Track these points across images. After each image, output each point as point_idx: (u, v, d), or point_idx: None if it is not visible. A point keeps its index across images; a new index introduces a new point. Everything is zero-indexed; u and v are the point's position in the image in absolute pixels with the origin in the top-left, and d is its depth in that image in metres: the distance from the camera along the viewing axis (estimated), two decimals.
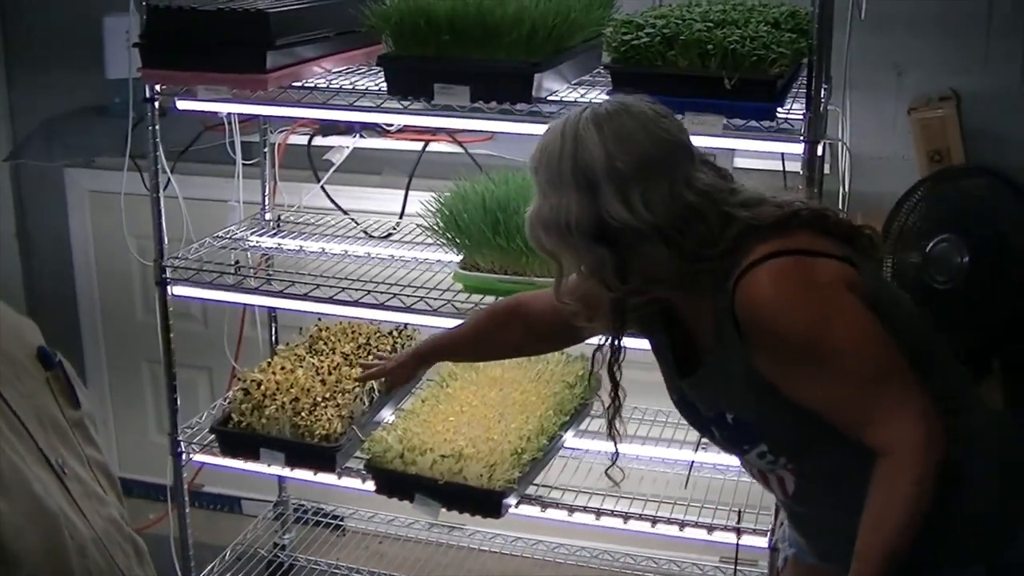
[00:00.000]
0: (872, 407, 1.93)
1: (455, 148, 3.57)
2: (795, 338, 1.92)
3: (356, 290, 2.95)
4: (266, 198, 3.62)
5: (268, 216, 3.60)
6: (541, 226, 2.02)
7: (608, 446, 2.29)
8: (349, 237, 3.46)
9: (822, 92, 2.55)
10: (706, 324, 2.05)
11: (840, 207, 3.26)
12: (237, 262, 3.33)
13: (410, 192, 3.57)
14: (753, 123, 2.45)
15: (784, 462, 2.11)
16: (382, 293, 2.91)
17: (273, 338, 3.80)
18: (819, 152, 2.52)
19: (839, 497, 2.06)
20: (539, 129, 2.61)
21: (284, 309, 3.49)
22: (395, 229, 3.49)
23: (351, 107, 2.79)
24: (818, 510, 2.17)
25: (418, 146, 3.61)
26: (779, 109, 2.45)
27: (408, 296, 2.89)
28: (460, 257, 2.96)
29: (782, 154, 3.07)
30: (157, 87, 2.92)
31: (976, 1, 3.37)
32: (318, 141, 3.67)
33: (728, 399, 2.09)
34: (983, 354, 3.16)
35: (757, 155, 3.20)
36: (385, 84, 2.73)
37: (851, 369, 1.93)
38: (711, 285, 1.98)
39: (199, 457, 3.23)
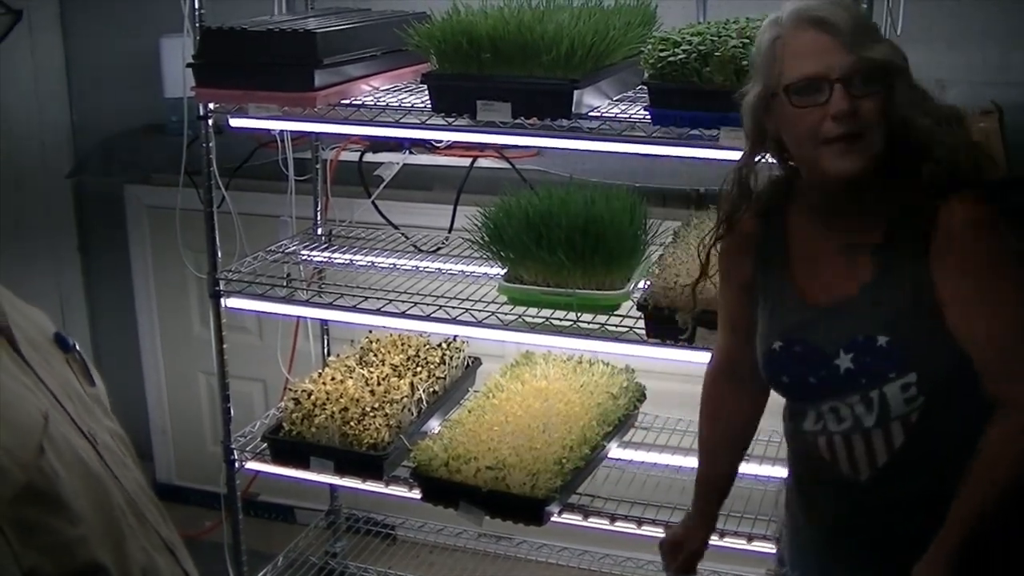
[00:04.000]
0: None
1: (502, 164, 3.63)
2: (995, 266, 2.05)
3: (403, 302, 3.02)
4: (318, 213, 3.69)
5: (320, 231, 3.68)
6: None
7: (652, 456, 2.34)
8: (398, 251, 3.53)
9: None
10: (873, 225, 2.13)
11: None
12: (289, 274, 3.41)
13: (459, 207, 3.62)
14: None
15: (919, 404, 2.12)
16: (428, 305, 2.98)
17: (325, 350, 3.87)
18: None
19: (935, 475, 2.13)
20: (581, 144, 2.71)
21: (334, 321, 3.58)
22: (444, 243, 3.55)
23: (397, 124, 2.86)
24: (902, 490, 2.19)
25: (466, 162, 3.68)
26: None
27: (454, 308, 2.96)
28: (505, 270, 3.02)
29: None
30: (210, 105, 3.00)
31: (1017, 14, 3.40)
32: (369, 157, 3.74)
33: (887, 317, 2.12)
34: None
35: None
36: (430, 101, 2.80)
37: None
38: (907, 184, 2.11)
39: (251, 465, 3.31)
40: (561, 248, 2.75)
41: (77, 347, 1.30)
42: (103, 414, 1.30)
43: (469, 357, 3.49)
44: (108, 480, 1.17)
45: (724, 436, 2.50)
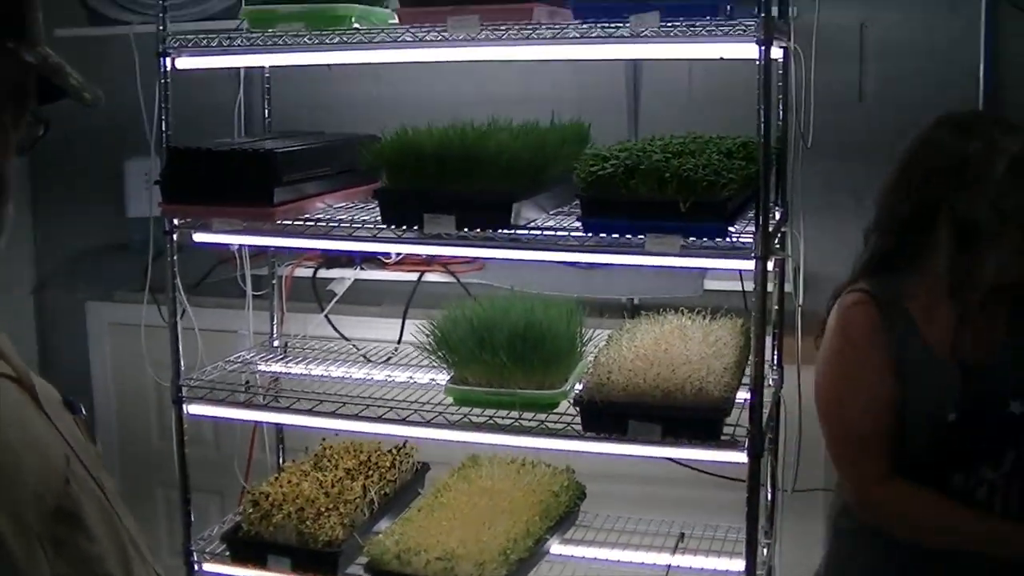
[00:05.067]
0: None
1: (448, 278, 3.85)
2: None
3: (356, 404, 3.16)
4: (274, 327, 3.87)
5: (276, 343, 3.86)
6: None
7: (592, 552, 2.53)
8: (349, 361, 3.70)
9: (773, 213, 2.83)
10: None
11: (797, 325, 3.52)
12: (247, 382, 3.57)
13: (407, 321, 3.83)
14: (709, 242, 2.70)
15: None
16: (380, 407, 3.12)
17: (280, 459, 4.00)
18: (770, 268, 2.79)
19: None
20: (520, 254, 2.92)
21: (290, 426, 3.72)
22: (393, 353, 3.73)
23: (350, 237, 3.03)
24: None
25: (414, 276, 3.90)
26: (732, 228, 2.70)
27: (404, 409, 3.10)
28: (451, 374, 3.16)
29: (740, 272, 3.33)
30: (175, 221, 3.16)
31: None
32: (322, 273, 3.96)
33: None
34: None
35: (723, 276, 3.49)
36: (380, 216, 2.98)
37: None
38: None
39: (210, 567, 3.42)
40: (503, 351, 2.92)
41: (83, 411, 1.48)
42: (103, 468, 1.48)
43: (418, 462, 3.66)
44: (115, 516, 1.35)
45: (950, 511, 2.60)
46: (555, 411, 2.97)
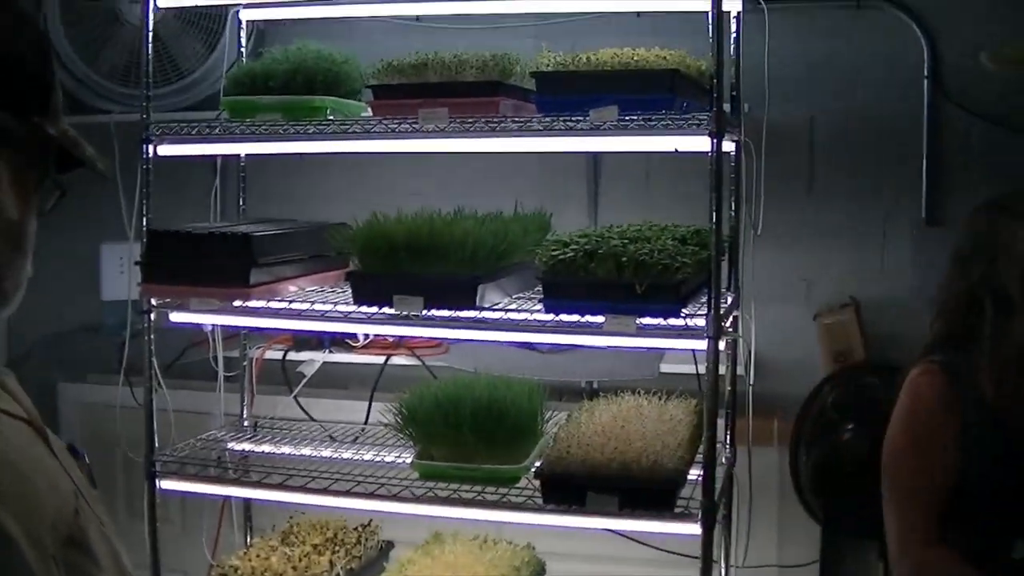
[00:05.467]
0: None
1: (413, 361, 3.98)
2: None
3: (326, 479, 3.25)
4: (244, 407, 3.97)
5: (246, 423, 3.95)
6: None
7: None
8: (317, 440, 3.79)
9: (724, 295, 2.98)
10: None
11: (749, 407, 3.66)
12: (219, 457, 3.66)
13: (373, 403, 3.94)
14: (664, 323, 2.84)
15: None
16: (348, 481, 3.22)
17: (248, 537, 4.04)
18: (722, 348, 2.94)
19: None
20: (484, 335, 3.05)
21: (259, 500, 3.78)
22: (360, 433, 3.84)
23: (323, 317, 3.14)
24: None
25: (381, 360, 4.02)
26: (685, 310, 2.84)
27: (371, 483, 3.19)
28: (417, 450, 3.24)
29: (694, 354, 3.48)
30: (152, 301, 3.26)
31: (872, 220, 3.88)
32: (292, 356, 4.08)
33: None
34: None
35: (678, 359, 3.64)
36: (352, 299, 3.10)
37: None
38: None
39: None
40: (467, 426, 3.01)
41: (86, 458, 1.60)
42: (103, 511, 1.60)
43: (382, 540, 3.75)
44: (117, 551, 1.47)
45: None
46: (517, 486, 3.06)
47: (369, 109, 3.25)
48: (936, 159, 3.90)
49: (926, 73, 3.89)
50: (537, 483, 2.98)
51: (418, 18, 4.03)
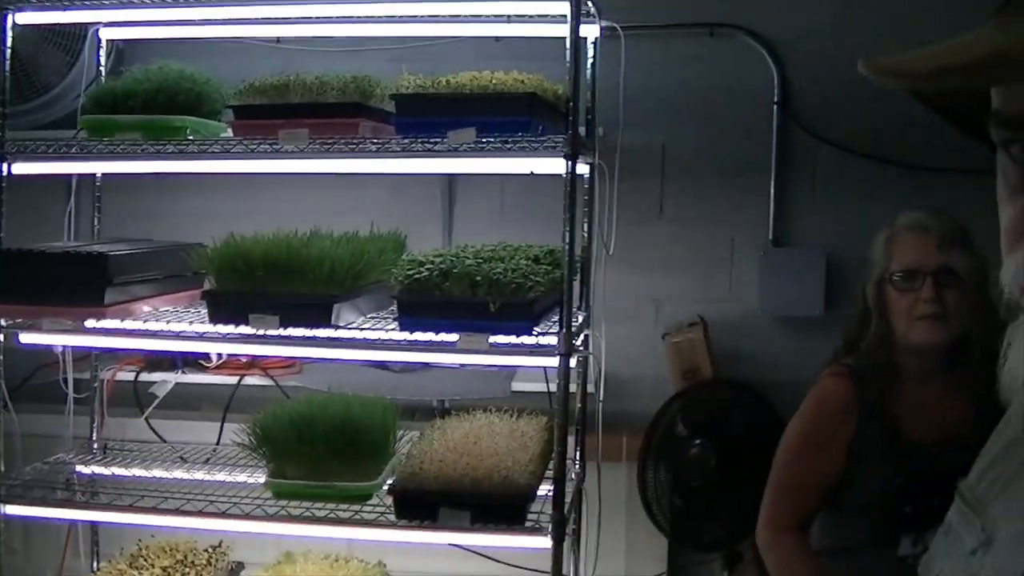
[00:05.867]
0: None
1: (267, 381, 3.99)
2: None
3: (177, 499, 3.21)
4: (94, 430, 3.91)
5: (96, 446, 3.88)
6: None
7: None
8: (168, 462, 3.75)
9: (576, 314, 3.05)
10: (960, 392, 2.88)
11: (598, 424, 3.72)
12: (67, 480, 3.61)
13: (226, 423, 3.93)
14: (516, 341, 2.89)
15: None
16: (200, 501, 3.19)
17: (95, 563, 3.98)
18: (573, 366, 3.00)
19: None
20: (339, 353, 3.07)
21: (109, 524, 3.68)
22: (212, 454, 3.81)
23: (178, 336, 3.13)
24: None
25: (234, 380, 4.01)
26: (537, 328, 2.91)
27: (224, 503, 3.17)
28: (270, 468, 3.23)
29: (545, 372, 3.53)
30: (2, 321, 3.21)
31: (720, 241, 4.01)
32: (144, 377, 4.04)
33: None
34: (732, 544, 3.65)
35: (530, 378, 3.70)
36: (208, 318, 3.09)
37: None
38: None
39: None
40: (321, 444, 3.02)
41: None
42: None
43: (233, 561, 3.73)
44: None
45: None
46: (370, 503, 3.08)
47: (230, 130, 3.24)
48: (783, 182, 4.04)
49: (775, 99, 4.03)
50: (390, 500, 3.00)
51: (279, 40, 4.05)
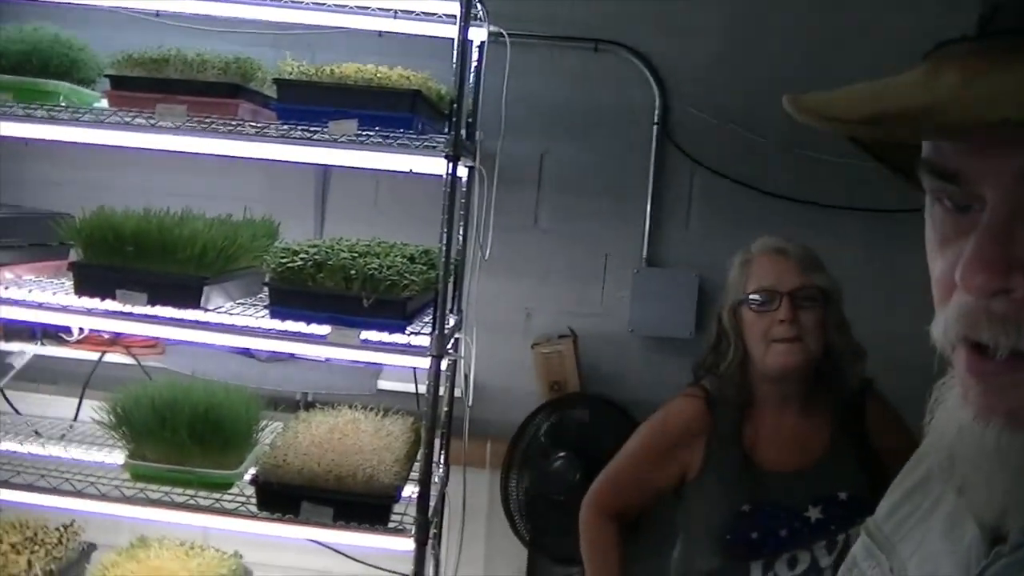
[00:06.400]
0: None
1: (129, 360, 3.90)
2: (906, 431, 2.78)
3: (31, 474, 3.15)
4: None
5: None
6: None
7: None
8: (22, 435, 3.66)
9: (448, 317, 3.04)
10: (820, 419, 2.90)
11: (466, 428, 3.73)
12: None
13: (85, 400, 3.84)
14: (388, 339, 2.88)
15: None
16: (55, 478, 3.14)
17: None
18: (443, 368, 2.99)
19: None
20: (206, 337, 3.02)
21: None
22: (69, 431, 3.73)
23: (40, 307, 3.04)
24: None
25: (95, 356, 3.92)
26: (410, 327, 2.90)
27: (80, 481, 3.12)
28: (128, 451, 3.19)
29: (414, 372, 3.52)
30: None
31: (595, 256, 4.02)
32: (1, 346, 3.92)
33: (844, 478, 2.81)
34: None
35: (396, 377, 3.68)
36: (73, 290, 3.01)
37: None
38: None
39: None
40: (184, 429, 2.98)
41: None
42: None
43: (85, 542, 3.65)
44: None
45: (616, 570, 3.05)
46: (230, 492, 3.06)
47: (105, 100, 3.17)
48: (660, 202, 4.06)
49: (655, 119, 4.05)
50: (251, 490, 2.97)
51: (157, 13, 3.97)
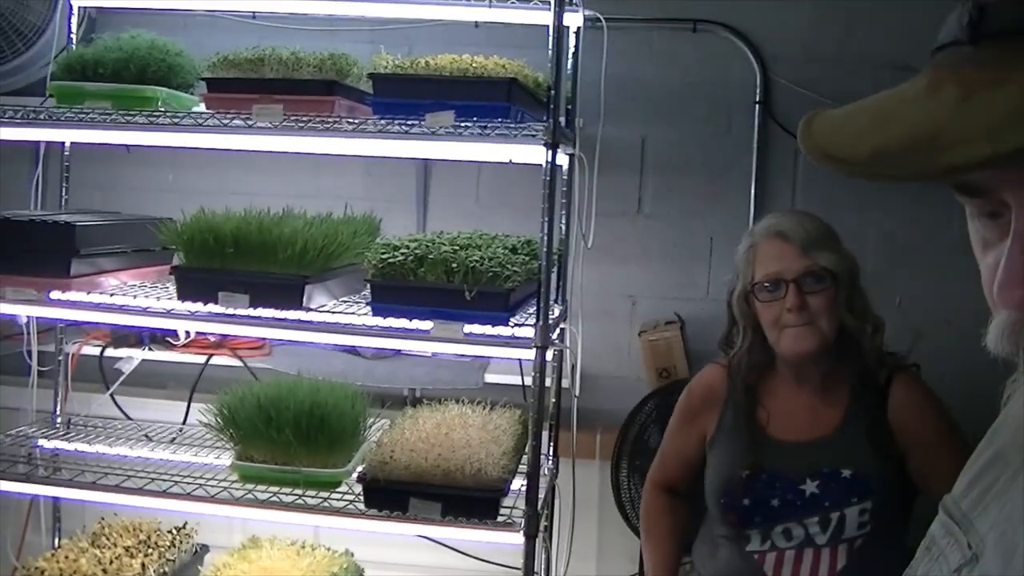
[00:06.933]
0: None
1: (235, 362, 3.91)
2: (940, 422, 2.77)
3: (141, 478, 3.18)
4: (58, 404, 3.85)
5: (59, 421, 3.83)
6: None
7: None
8: (133, 440, 3.70)
9: (552, 307, 2.99)
10: (838, 397, 2.87)
11: (574, 419, 3.68)
12: (28, 455, 3.54)
13: (192, 404, 3.86)
14: (492, 331, 2.84)
15: (867, 531, 2.71)
16: (165, 482, 3.16)
17: (56, 539, 3.94)
18: (548, 358, 2.95)
19: None
20: (309, 336, 3.01)
21: (71, 500, 3.64)
22: (178, 434, 3.76)
23: (145, 312, 3.06)
24: None
25: (202, 359, 3.94)
26: (513, 319, 2.85)
27: (189, 484, 3.13)
28: (236, 450, 3.20)
29: (520, 364, 3.49)
30: None
31: (695, 237, 3.94)
32: (110, 353, 3.96)
33: (852, 455, 2.77)
34: None
35: (503, 370, 3.65)
36: (176, 295, 3.02)
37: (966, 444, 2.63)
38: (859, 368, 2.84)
39: None
40: (289, 429, 2.97)
41: None
42: None
43: (197, 544, 3.69)
44: None
45: (664, 536, 3.12)
46: (338, 490, 3.04)
47: (202, 104, 3.17)
48: (764, 182, 3.98)
49: (757, 97, 3.96)
50: (359, 488, 2.95)
51: (254, 15, 3.97)
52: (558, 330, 3.25)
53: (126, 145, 3.40)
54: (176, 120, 3.06)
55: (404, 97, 2.94)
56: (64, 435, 3.75)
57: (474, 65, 3.01)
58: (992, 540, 1.12)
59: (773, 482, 2.81)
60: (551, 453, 3.52)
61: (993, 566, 1.10)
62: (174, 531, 3.62)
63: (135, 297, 3.16)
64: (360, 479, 2.94)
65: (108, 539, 3.52)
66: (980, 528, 1.15)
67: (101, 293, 3.16)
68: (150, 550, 3.46)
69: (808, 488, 2.77)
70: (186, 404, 3.88)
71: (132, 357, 3.95)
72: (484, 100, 2.89)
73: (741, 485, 2.84)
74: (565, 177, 3.47)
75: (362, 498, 2.96)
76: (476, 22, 3.77)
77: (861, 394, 2.84)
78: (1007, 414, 1.12)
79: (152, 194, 4.12)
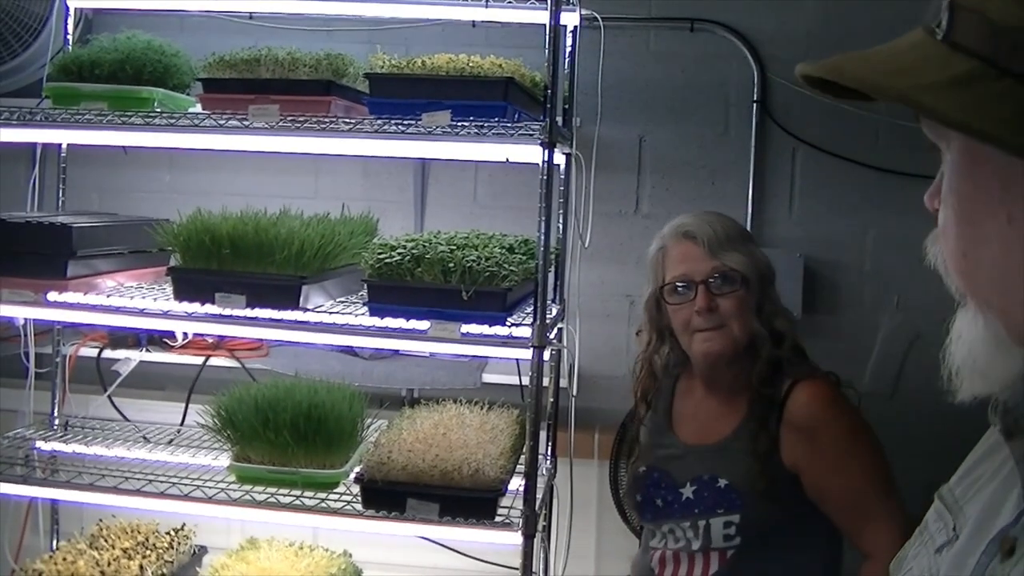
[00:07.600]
0: (876, 509, 2.54)
1: (233, 363, 3.91)
2: (838, 439, 2.62)
3: (138, 480, 3.17)
4: (55, 406, 3.84)
5: (56, 422, 3.82)
6: None
7: None
8: (130, 441, 3.69)
9: (550, 307, 2.99)
10: (739, 405, 2.75)
11: (570, 420, 3.67)
12: (26, 457, 3.54)
13: (190, 406, 3.85)
14: (489, 331, 2.84)
15: (735, 543, 2.64)
16: (162, 483, 3.15)
17: (54, 541, 3.93)
18: (546, 358, 2.94)
19: None
20: (306, 337, 3.01)
21: (68, 502, 3.66)
22: (176, 435, 3.75)
23: (142, 313, 3.05)
24: None
25: (199, 360, 3.94)
26: (511, 319, 2.85)
27: (186, 485, 3.12)
28: (234, 451, 3.19)
29: (517, 364, 3.49)
30: None
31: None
32: (107, 354, 3.96)
33: (732, 466, 2.68)
34: None
35: (501, 370, 3.64)
36: (173, 296, 3.02)
37: (874, 471, 2.60)
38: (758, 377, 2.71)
39: None
40: (287, 430, 2.97)
41: None
42: None
43: (196, 545, 3.68)
44: None
45: None
46: (336, 491, 3.04)
47: (199, 105, 3.16)
48: (761, 181, 3.98)
49: (755, 97, 3.96)
50: (357, 489, 2.95)
51: (251, 16, 3.97)
52: (556, 330, 3.25)
53: (123, 146, 3.39)
54: (172, 121, 3.05)
55: (401, 97, 2.94)
56: (62, 437, 3.74)
57: (471, 65, 3.00)
58: (973, 522, 1.17)
59: (660, 481, 2.82)
60: (549, 453, 3.51)
61: (966, 544, 1.15)
62: (172, 532, 3.61)
63: (132, 298, 3.15)
64: (358, 480, 2.93)
65: (106, 541, 3.52)
66: (968, 512, 1.20)
67: (98, 294, 3.15)
68: (148, 552, 3.46)
69: (686, 492, 2.74)
70: (184, 405, 3.88)
71: (130, 358, 3.95)
72: (481, 100, 2.89)
73: (637, 481, 2.89)
74: (562, 177, 3.46)
75: (360, 499, 2.95)
76: (473, 22, 3.77)
77: (759, 405, 2.74)
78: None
79: (149, 195, 4.13)
